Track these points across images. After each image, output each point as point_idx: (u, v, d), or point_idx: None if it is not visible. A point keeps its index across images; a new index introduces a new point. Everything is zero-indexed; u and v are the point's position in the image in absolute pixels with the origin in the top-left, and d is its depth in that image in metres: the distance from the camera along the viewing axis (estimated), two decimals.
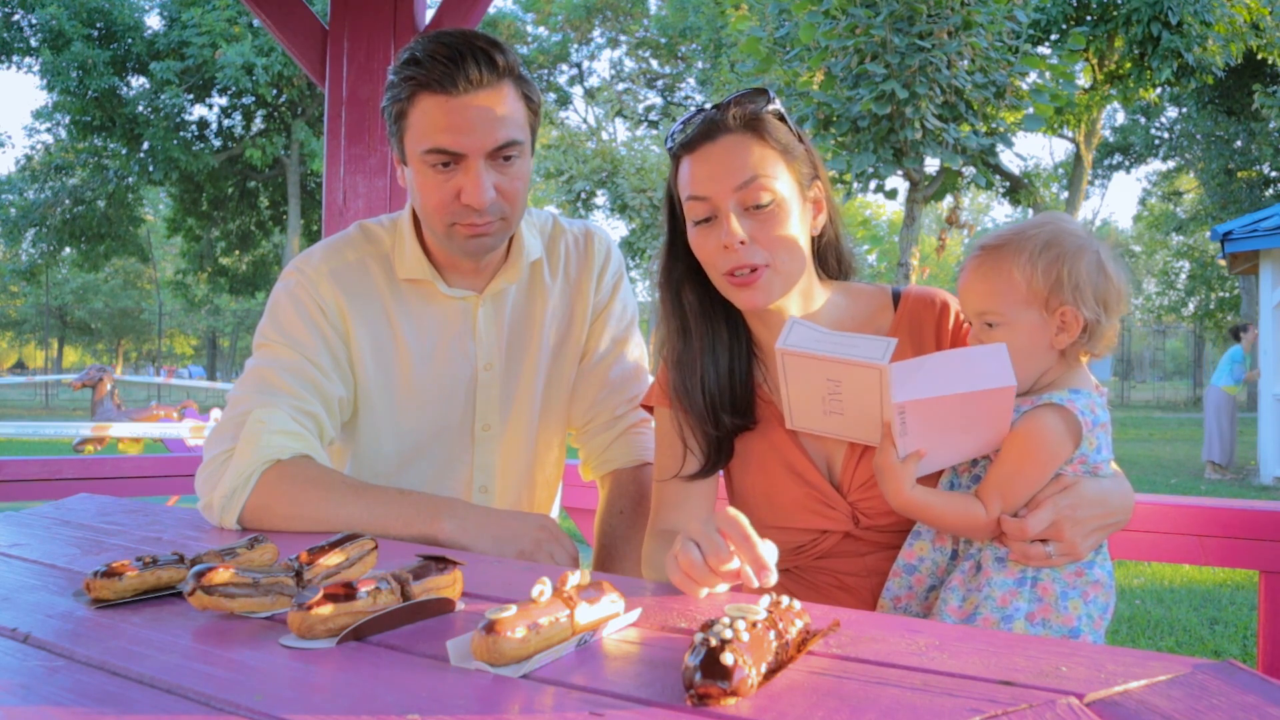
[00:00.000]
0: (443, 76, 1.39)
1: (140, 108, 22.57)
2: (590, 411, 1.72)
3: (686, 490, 1.47)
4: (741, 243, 1.32)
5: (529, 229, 1.68)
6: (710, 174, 1.34)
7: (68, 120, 23.30)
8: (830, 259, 1.50)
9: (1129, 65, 16.83)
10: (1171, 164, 30.79)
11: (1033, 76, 12.57)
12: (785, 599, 0.83)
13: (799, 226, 1.37)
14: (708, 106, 1.40)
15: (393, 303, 1.59)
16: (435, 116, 1.41)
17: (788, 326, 1.32)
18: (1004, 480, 1.29)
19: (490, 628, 0.76)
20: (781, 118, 1.40)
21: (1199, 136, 24.53)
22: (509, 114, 1.44)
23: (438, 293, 1.60)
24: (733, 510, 1.02)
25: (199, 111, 24.06)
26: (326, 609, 0.84)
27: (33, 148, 25.97)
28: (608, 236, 1.78)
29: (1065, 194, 27.57)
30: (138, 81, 23.30)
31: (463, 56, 1.40)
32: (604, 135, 27.43)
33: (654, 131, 25.47)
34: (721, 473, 1.56)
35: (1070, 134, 21.53)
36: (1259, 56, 17.19)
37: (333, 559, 1.01)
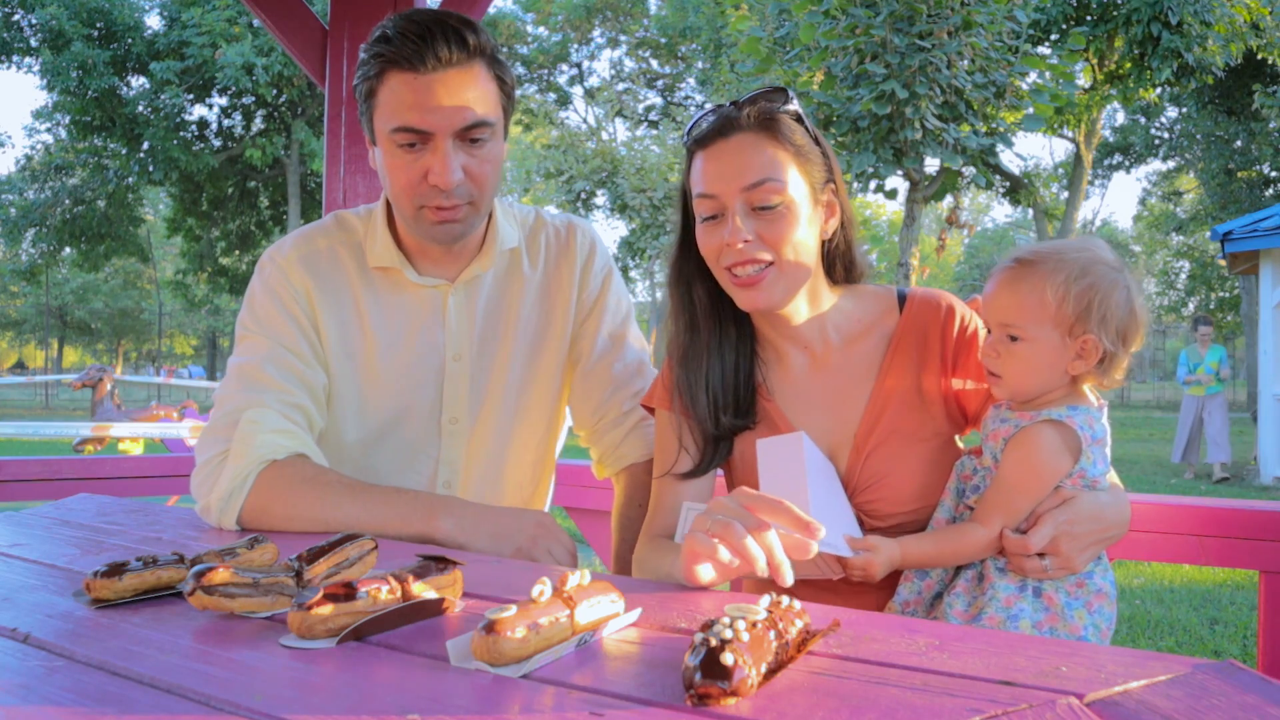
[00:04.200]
0: (412, 54, 1.38)
1: (140, 108, 22.56)
2: (598, 410, 1.69)
3: (683, 493, 1.46)
4: (746, 241, 1.32)
5: (507, 219, 1.66)
6: (720, 172, 1.34)
7: (68, 120, 23.30)
8: (839, 266, 1.48)
9: (1129, 65, 16.82)
10: (1171, 164, 30.78)
11: (1033, 76, 12.56)
12: (785, 599, 0.83)
13: (807, 230, 1.36)
14: (727, 103, 1.39)
15: (362, 290, 1.58)
16: (403, 94, 1.40)
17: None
18: (1004, 496, 1.30)
19: (490, 628, 0.76)
20: (800, 119, 1.39)
21: (1199, 136, 24.50)
22: (479, 94, 1.43)
23: (407, 281, 1.58)
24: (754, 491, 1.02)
25: (199, 111, 24.09)
26: (326, 609, 0.84)
27: (33, 148, 25.96)
28: (592, 230, 1.76)
29: (1065, 194, 27.57)
30: (138, 81, 23.29)
31: (432, 34, 1.39)
32: (604, 135, 27.41)
33: (654, 131, 25.45)
34: (722, 473, 1.56)
35: (1070, 134, 21.53)
36: (1259, 56, 17.18)
37: (333, 559, 1.01)
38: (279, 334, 1.52)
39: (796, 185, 1.34)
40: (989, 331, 1.36)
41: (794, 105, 1.38)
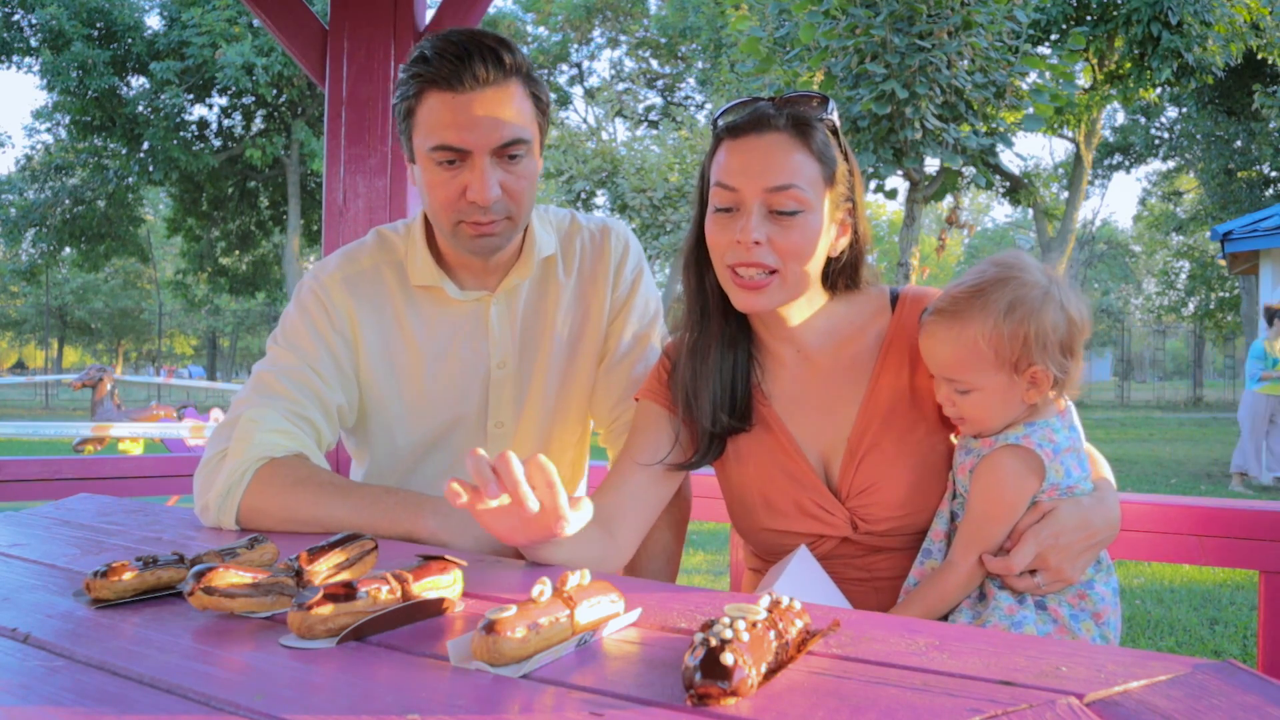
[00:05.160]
0: (450, 74, 1.41)
1: (140, 108, 22.55)
2: (615, 410, 1.69)
3: (640, 476, 1.44)
4: (757, 243, 1.30)
5: (543, 225, 1.67)
6: (745, 167, 1.32)
7: (68, 120, 23.30)
8: (840, 280, 1.47)
9: (1129, 65, 16.82)
10: (1171, 164, 30.78)
11: (1033, 76, 12.56)
12: (785, 599, 0.83)
13: (819, 243, 1.35)
14: (765, 98, 1.37)
15: (405, 309, 1.61)
16: (441, 114, 1.43)
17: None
18: (975, 528, 1.29)
19: (490, 628, 0.76)
20: (835, 132, 1.37)
21: (1199, 136, 24.51)
22: (515, 112, 1.45)
23: (449, 297, 1.61)
24: (544, 459, 1.03)
25: (199, 111, 24.07)
26: (326, 609, 0.84)
27: (33, 148, 25.97)
28: (626, 231, 1.77)
29: (1065, 194, 27.57)
30: (138, 81, 23.29)
31: (469, 54, 1.41)
32: (604, 135, 27.42)
33: (654, 131, 25.47)
34: (714, 471, 1.56)
35: (1070, 134, 21.52)
36: (1259, 56, 17.18)
37: (333, 559, 1.01)
38: (304, 352, 1.55)
39: (819, 197, 1.33)
40: (933, 377, 1.35)
41: (833, 117, 1.37)
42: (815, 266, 1.37)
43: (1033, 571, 1.27)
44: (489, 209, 1.46)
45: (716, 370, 1.45)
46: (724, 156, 1.35)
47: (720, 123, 1.38)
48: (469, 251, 1.54)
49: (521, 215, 1.52)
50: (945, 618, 1.35)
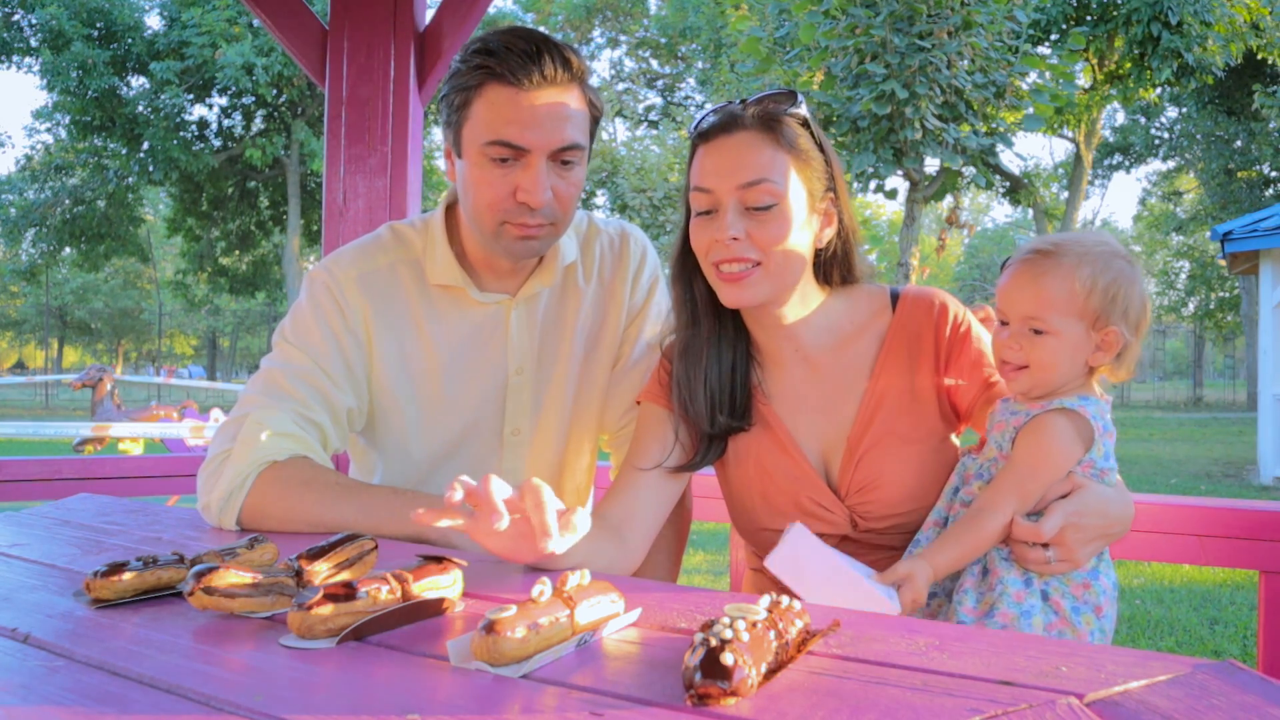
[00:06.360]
0: (517, 68, 1.37)
1: (140, 108, 22.57)
2: (624, 417, 1.67)
3: (648, 480, 1.44)
4: (735, 239, 1.31)
5: (565, 232, 1.66)
6: (717, 167, 1.33)
7: (68, 120, 23.31)
8: (835, 272, 1.46)
9: (1129, 65, 16.85)
10: (1171, 164, 30.81)
11: (1033, 76, 12.58)
12: (785, 599, 0.83)
13: (799, 234, 1.35)
14: (736, 100, 1.38)
15: (422, 309, 1.57)
16: (503, 109, 1.39)
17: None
18: (1016, 481, 1.29)
19: (490, 628, 0.76)
20: (806, 124, 1.38)
21: (1199, 136, 24.53)
22: (576, 116, 1.42)
23: (469, 298, 1.58)
24: (538, 481, 1.03)
25: (199, 111, 24.09)
26: (326, 609, 0.84)
27: (33, 148, 25.99)
28: (643, 236, 1.75)
29: (1065, 194, 27.59)
30: (138, 81, 23.30)
31: (540, 51, 1.38)
32: (604, 135, 27.47)
33: (654, 131, 25.50)
34: (714, 472, 1.56)
35: (1070, 134, 21.55)
36: (1259, 56, 17.21)
37: (333, 559, 1.01)
38: (315, 351, 1.51)
39: (793, 189, 1.33)
40: (1003, 324, 1.34)
41: (801, 109, 1.37)
42: (799, 258, 1.37)
43: (1045, 546, 1.27)
44: (538, 212, 1.42)
45: (714, 371, 1.45)
46: (698, 160, 1.37)
47: (694, 130, 1.40)
48: (508, 254, 1.50)
49: (564, 223, 1.49)
50: (949, 597, 1.35)
